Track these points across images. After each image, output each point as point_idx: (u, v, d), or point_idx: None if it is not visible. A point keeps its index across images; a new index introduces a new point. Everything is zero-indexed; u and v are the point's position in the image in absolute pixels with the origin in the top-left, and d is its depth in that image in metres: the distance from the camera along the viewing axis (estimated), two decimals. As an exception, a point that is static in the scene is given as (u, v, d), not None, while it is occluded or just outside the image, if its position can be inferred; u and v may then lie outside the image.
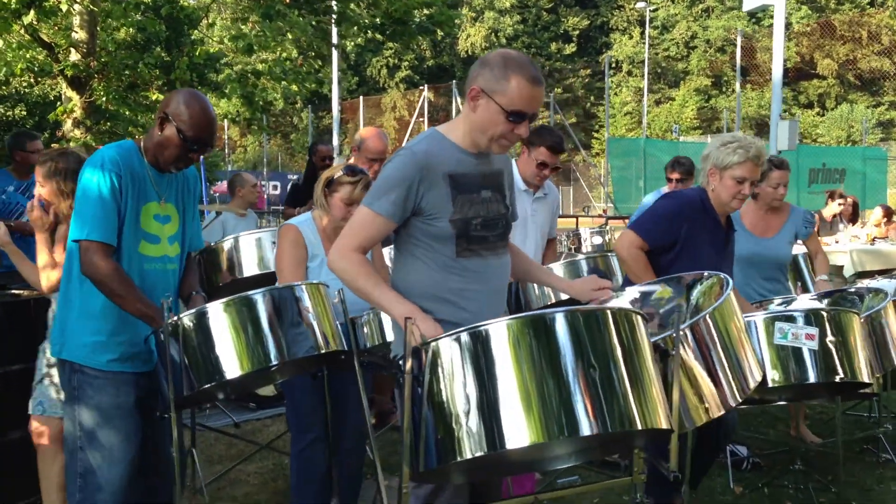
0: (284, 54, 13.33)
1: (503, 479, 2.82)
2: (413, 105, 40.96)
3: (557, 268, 4.29)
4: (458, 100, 23.85)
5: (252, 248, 4.39)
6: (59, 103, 12.40)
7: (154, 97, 11.54)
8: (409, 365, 2.13)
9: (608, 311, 2.19)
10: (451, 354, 2.12)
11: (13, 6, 9.90)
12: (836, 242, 9.64)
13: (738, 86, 28.36)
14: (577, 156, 36.30)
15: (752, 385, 2.66)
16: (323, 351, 3.01)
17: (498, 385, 2.07)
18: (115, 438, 2.94)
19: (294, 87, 12.22)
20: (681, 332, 2.44)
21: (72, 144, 11.00)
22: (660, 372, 2.34)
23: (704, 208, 3.54)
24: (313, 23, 11.95)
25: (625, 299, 3.04)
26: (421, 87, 28.62)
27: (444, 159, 2.52)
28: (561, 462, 2.53)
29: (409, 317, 2.18)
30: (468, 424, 2.07)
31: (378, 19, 11.95)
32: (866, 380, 3.18)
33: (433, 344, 2.13)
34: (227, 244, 4.40)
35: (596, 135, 46.09)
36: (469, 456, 2.06)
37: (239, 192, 6.41)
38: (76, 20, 11.52)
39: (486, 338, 2.11)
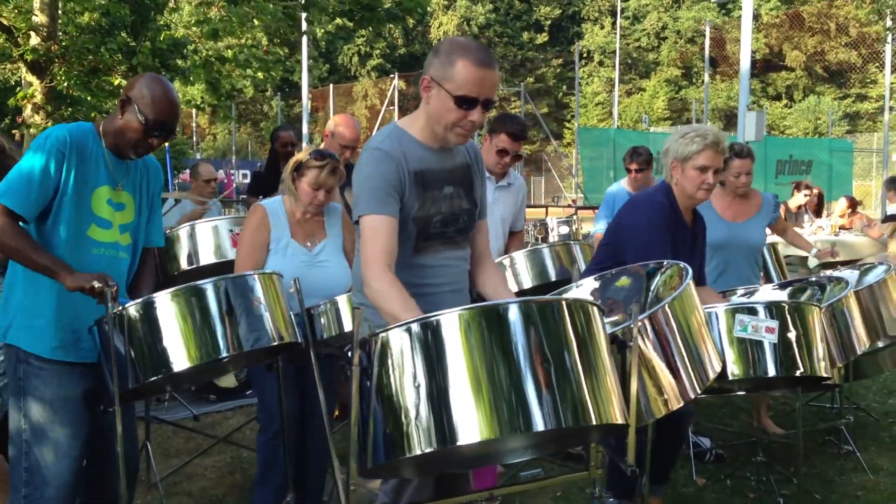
0: (251, 41, 13.14)
1: (466, 473, 2.75)
2: (384, 93, 40.73)
3: (520, 257, 4.23)
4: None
5: (209, 237, 4.28)
6: (18, 88, 12.15)
7: (117, 82, 11.31)
8: (356, 356, 2.06)
9: (563, 302, 2.12)
10: (400, 345, 2.04)
11: (-31, -12, 9.65)
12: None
13: (706, 77, 28.42)
14: (548, 146, 36.33)
15: (712, 376, 2.62)
16: (275, 343, 2.92)
17: (449, 378, 2.00)
18: (61, 432, 2.84)
19: (260, 75, 12.06)
20: (639, 323, 2.38)
21: (32, 130, 10.79)
22: (616, 364, 2.29)
23: (673, 209, 3.46)
24: (281, 8, 11.79)
25: (584, 289, 2.99)
26: (392, 76, 28.43)
27: (409, 155, 2.46)
28: (516, 456, 2.47)
29: (359, 307, 2.10)
30: (417, 419, 2.00)
31: (347, 5, 11.80)
32: (825, 374, 3.15)
33: (382, 335, 2.06)
34: (183, 232, 4.29)
35: (568, 125, 46.13)
36: (418, 452, 1.99)
37: (188, 179, 6.33)
38: (36, 3, 11.27)
39: (436, 328, 2.03)
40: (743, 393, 3.75)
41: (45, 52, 10.96)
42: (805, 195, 10.04)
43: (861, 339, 3.69)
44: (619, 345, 2.40)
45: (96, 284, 2.67)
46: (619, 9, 44.83)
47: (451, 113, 2.39)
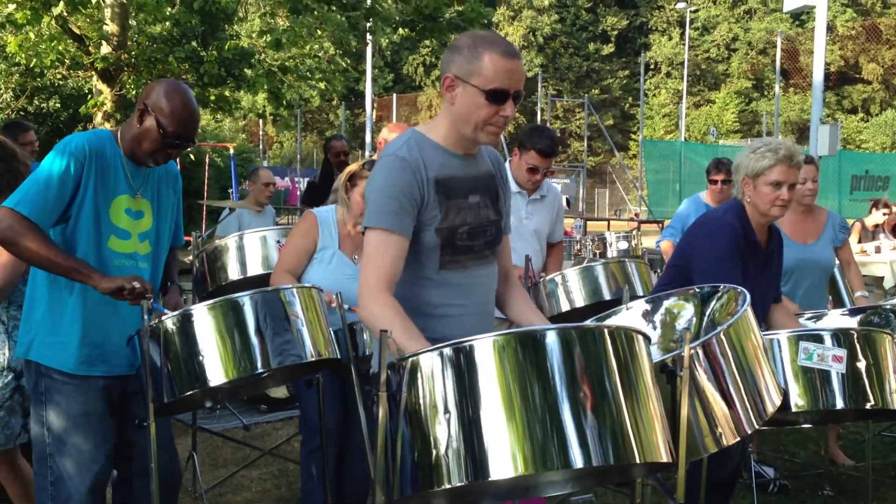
0: (315, 52, 13.24)
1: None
2: (449, 104, 40.74)
3: (572, 274, 4.08)
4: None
5: (257, 247, 4.24)
6: (90, 97, 12.45)
7: (182, 91, 11.53)
8: (383, 379, 1.95)
9: (605, 330, 1.98)
10: (431, 370, 1.92)
11: (43, -3, 9.90)
12: (878, 252, 9.29)
13: (777, 89, 27.71)
14: (612, 158, 35.86)
15: (771, 410, 2.43)
16: (312, 359, 2.84)
17: (481, 407, 1.87)
18: (84, 446, 2.78)
19: (322, 85, 12.13)
20: (690, 351, 2.23)
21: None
22: (665, 396, 2.14)
23: (744, 231, 3.27)
24: (345, 18, 11.85)
25: (634, 312, 2.83)
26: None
27: (429, 162, 2.28)
28: (556, 489, 2.33)
29: (386, 329, 1.99)
30: (448, 450, 1.87)
31: (409, 16, 11.81)
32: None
33: (412, 358, 1.95)
34: (231, 242, 4.25)
35: (633, 136, 45.59)
36: (447, 486, 1.87)
37: (249, 186, 6.34)
38: (108, 13, 11.52)
39: (470, 354, 1.91)
40: (809, 426, 3.53)
41: (115, 60, 11.19)
42: (884, 213, 9.60)
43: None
44: (669, 374, 2.24)
45: (136, 285, 2.62)
46: (688, 19, 44.22)
47: (482, 109, 2.22)
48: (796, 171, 3.24)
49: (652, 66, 50.19)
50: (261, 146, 36.24)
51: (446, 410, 1.89)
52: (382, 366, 1.94)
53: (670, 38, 50.06)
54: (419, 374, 1.94)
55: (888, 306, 3.81)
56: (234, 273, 4.21)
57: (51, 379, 2.77)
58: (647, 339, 2.08)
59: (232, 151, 13.37)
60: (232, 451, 5.02)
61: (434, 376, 1.92)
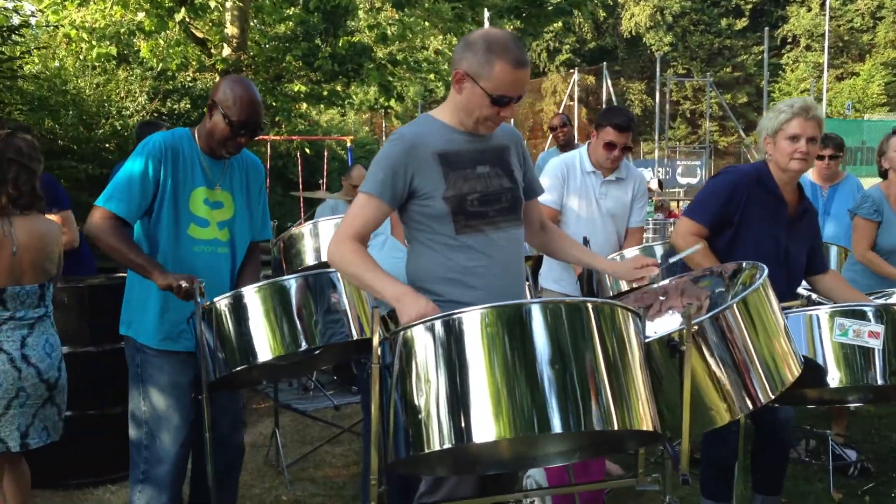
0: (422, 44, 13.50)
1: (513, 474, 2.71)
2: (573, 89, 40.45)
3: (630, 253, 4.08)
4: (609, 82, 23.30)
5: (331, 234, 4.44)
6: (212, 97, 13.15)
7: (297, 88, 11.99)
8: (376, 353, 2.09)
9: (589, 304, 2.06)
10: (423, 342, 2.06)
11: (167, 4, 10.54)
12: None
13: None
14: (748, 137, 34.55)
15: (786, 382, 2.42)
16: (356, 338, 3.00)
17: (469, 376, 1.99)
18: (174, 415, 3.09)
19: (431, 77, 12.38)
20: (694, 327, 2.26)
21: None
22: (667, 371, 2.19)
23: (760, 181, 3.29)
24: (450, 9, 12.02)
25: (654, 291, 2.86)
26: (571, 70, 28.17)
27: (432, 139, 2.48)
28: (553, 461, 2.41)
29: (377, 306, 2.13)
30: (437, 415, 2.00)
31: (514, 2, 11.86)
32: (946, 383, 2.83)
33: (405, 332, 2.08)
34: (306, 230, 4.49)
35: (770, 114, 43.71)
36: (437, 448, 2.00)
37: (344, 182, 6.60)
38: (228, 16, 12.11)
39: (459, 326, 2.03)
40: (859, 404, 3.42)
41: (234, 61, 11.76)
42: None
43: None
44: (672, 349, 2.27)
45: (184, 284, 2.87)
46: (828, -12, 41.93)
47: (485, 109, 2.41)
48: (814, 124, 3.25)
49: (790, 40, 47.90)
50: (383, 137, 37.03)
51: (436, 379, 2.02)
52: (375, 339, 2.09)
53: (809, 10, 47.56)
54: (411, 346, 2.07)
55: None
56: (309, 259, 4.45)
57: (144, 353, 3.11)
58: (636, 314, 2.14)
59: (350, 144, 13.83)
60: (320, 430, 5.29)
61: (425, 348, 2.06)
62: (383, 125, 35.13)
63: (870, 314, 2.81)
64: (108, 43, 11.31)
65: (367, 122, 31.59)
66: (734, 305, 2.39)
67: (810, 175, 5.62)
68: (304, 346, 2.93)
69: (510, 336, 2.00)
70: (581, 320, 2.03)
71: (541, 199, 4.12)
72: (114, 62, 12.84)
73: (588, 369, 1.99)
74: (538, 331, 2.01)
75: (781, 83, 46.36)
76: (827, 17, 40.31)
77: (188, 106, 15.93)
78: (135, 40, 12.48)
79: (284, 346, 2.90)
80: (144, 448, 3.13)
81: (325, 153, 14.91)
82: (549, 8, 11.86)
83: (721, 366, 2.34)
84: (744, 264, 2.74)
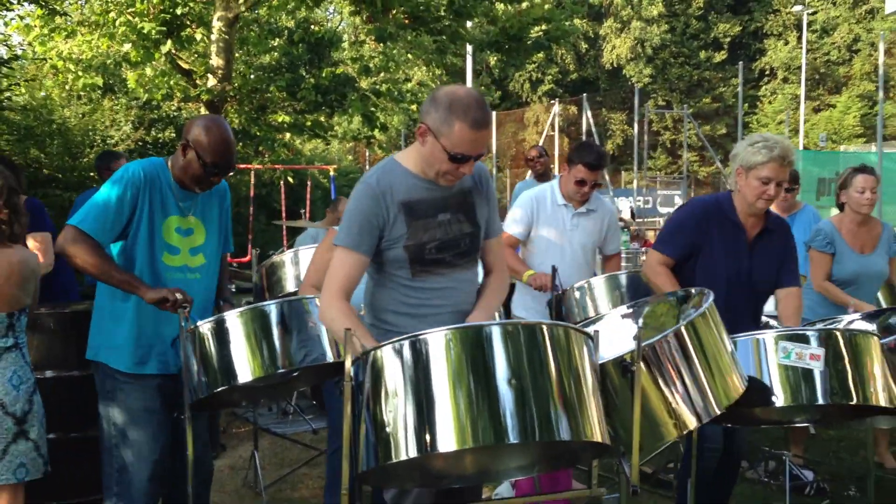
0: (407, 75, 13.77)
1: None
2: (558, 119, 40.89)
3: (598, 282, 4.27)
4: (589, 113, 23.67)
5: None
6: (196, 126, 13.32)
7: (280, 119, 12.18)
8: (348, 371, 2.26)
9: (544, 326, 2.25)
10: (391, 361, 2.23)
11: (154, 36, 10.73)
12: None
13: (881, 93, 26.25)
14: (727, 167, 35.03)
15: (730, 399, 2.61)
16: (331, 360, 3.17)
17: (433, 391, 2.17)
18: (143, 438, 3.20)
19: (413, 108, 12.63)
20: (643, 348, 2.45)
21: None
22: (620, 390, 2.37)
23: (722, 211, 3.49)
24: (431, 41, 12.29)
25: (613, 316, 3.05)
26: (552, 101, 28.57)
27: (397, 188, 2.62)
28: (514, 474, 2.59)
29: (349, 328, 2.31)
30: (403, 428, 2.17)
31: (494, 37, 12.14)
32: (883, 404, 3.03)
33: (375, 352, 2.25)
34: (287, 257, 4.66)
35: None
36: (403, 457, 2.16)
37: (328, 213, 6.79)
38: (213, 48, 12.30)
39: (424, 346, 2.21)
40: (816, 427, 3.61)
41: (219, 92, 11.94)
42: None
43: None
44: (623, 369, 2.46)
45: (178, 296, 3.03)
46: (805, 22, 42.79)
47: (444, 164, 2.56)
48: (787, 171, 3.42)
49: (767, 72, 48.74)
50: (367, 167, 37.27)
51: (403, 395, 2.19)
52: (347, 359, 2.26)
53: (786, 42, 48.46)
54: (380, 365, 2.25)
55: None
56: (290, 286, 4.62)
57: (114, 379, 3.22)
58: (588, 336, 2.33)
59: (332, 173, 14.04)
60: (298, 452, 5.43)
61: (393, 366, 2.23)
62: (367, 154, 35.44)
63: (812, 338, 3.01)
64: (94, 73, 11.48)
65: (351, 150, 31.84)
66: (682, 328, 2.58)
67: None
68: (281, 367, 3.09)
69: (471, 355, 2.18)
70: (536, 341, 2.22)
71: (509, 228, 4.33)
72: (99, 92, 13.01)
73: (543, 385, 2.17)
74: (497, 350, 2.19)
75: (759, 114, 47.09)
76: (804, 50, 41.13)
77: (173, 135, 16.09)
78: (121, 71, 12.65)
79: (264, 368, 3.06)
80: (116, 471, 3.23)
81: (308, 182, 15.11)
82: (529, 42, 12.15)
83: (669, 385, 2.53)
84: (693, 290, 2.94)
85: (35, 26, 10.85)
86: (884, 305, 5.14)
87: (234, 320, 3.09)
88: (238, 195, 16.16)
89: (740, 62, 30.53)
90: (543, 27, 12.59)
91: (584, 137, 28.35)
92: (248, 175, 14.57)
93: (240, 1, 11.03)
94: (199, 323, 3.07)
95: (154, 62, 11.83)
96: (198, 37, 10.86)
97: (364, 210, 2.59)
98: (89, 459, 4.31)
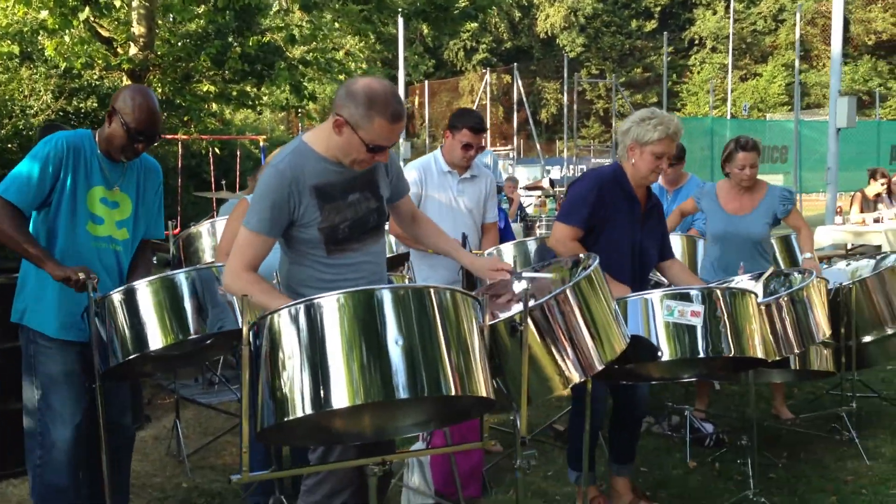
0: (336, 44, 13.68)
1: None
2: (491, 87, 41.05)
3: (507, 248, 4.44)
4: (519, 82, 23.87)
5: (228, 232, 4.68)
6: (120, 95, 13.07)
7: (205, 88, 12.03)
8: (246, 336, 2.37)
9: (432, 289, 2.39)
10: (287, 325, 2.34)
11: (71, 3, 10.47)
12: (877, 222, 9.42)
13: (797, 62, 27.06)
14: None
15: (613, 355, 2.80)
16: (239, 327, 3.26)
17: (326, 352, 2.28)
18: (65, 401, 3.27)
19: (341, 77, 12.60)
20: (529, 309, 2.61)
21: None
22: (486, 347, 2.52)
23: (618, 182, 3.68)
24: (358, 11, 12.24)
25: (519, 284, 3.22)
26: (482, 71, 28.70)
27: (308, 172, 2.71)
28: (411, 430, 2.74)
29: (246, 294, 2.41)
30: (299, 387, 2.29)
31: (420, 5, 12.15)
32: (760, 355, 3.27)
33: (271, 316, 2.36)
34: (204, 228, 4.71)
35: (679, 114, 45.25)
36: (299, 414, 2.28)
37: (250, 181, 6.78)
38: (134, 15, 12.04)
39: (318, 310, 2.33)
40: (692, 379, 3.85)
41: (140, 61, 11.70)
42: (882, 183, 9.73)
43: (821, 327, 3.76)
44: (511, 329, 2.62)
45: (81, 276, 3.09)
46: (732, -8, 43.58)
47: (361, 154, 2.67)
48: (675, 145, 3.63)
49: (696, 42, 49.58)
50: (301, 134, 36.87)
51: (298, 356, 2.31)
52: (245, 325, 2.37)
53: (714, 13, 49.31)
54: (276, 329, 2.36)
55: (787, 271, 4.13)
56: (207, 256, 4.68)
57: (37, 344, 3.28)
58: (475, 299, 2.49)
59: (263, 144, 13.95)
60: (223, 421, 5.51)
61: (289, 330, 2.35)
62: (300, 125, 35.12)
63: (694, 296, 3.22)
64: (9, 42, 11.17)
65: (283, 120, 31.52)
66: (567, 290, 2.76)
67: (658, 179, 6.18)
68: (192, 334, 3.18)
69: (363, 317, 2.31)
70: (424, 303, 2.36)
71: None
72: (17, 61, 12.65)
73: (431, 345, 2.31)
74: (388, 312, 2.32)
75: (689, 83, 47.98)
76: (731, 20, 41.93)
77: (95, 105, 15.73)
78: (40, 38, 12.33)
79: (174, 335, 3.15)
80: (38, 435, 3.30)
81: (238, 153, 14.98)
82: (456, 12, 12.18)
83: (556, 342, 2.71)
84: (582, 255, 3.12)
85: (-54, -8, 10.50)
86: (781, 265, 5.45)
87: (143, 289, 3.16)
88: (167, 166, 15.94)
89: (664, 32, 31.03)
90: (470, -4, 12.62)
91: (514, 107, 28.58)
92: (176, 146, 14.38)
93: (161, -33, 10.84)
94: (110, 293, 3.14)
95: (72, 30, 11.55)
96: (117, 3, 10.62)
97: (273, 196, 2.68)
98: (9, 432, 4.36)
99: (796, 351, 3.70)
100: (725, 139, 21.46)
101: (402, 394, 2.26)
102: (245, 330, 2.36)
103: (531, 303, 2.67)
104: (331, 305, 2.33)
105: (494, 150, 31.92)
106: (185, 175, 14.19)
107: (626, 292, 3.41)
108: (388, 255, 4.96)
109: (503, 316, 2.72)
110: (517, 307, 2.72)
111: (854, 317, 4.47)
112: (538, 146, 25.79)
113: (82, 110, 15.72)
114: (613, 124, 31.45)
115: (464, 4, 12.60)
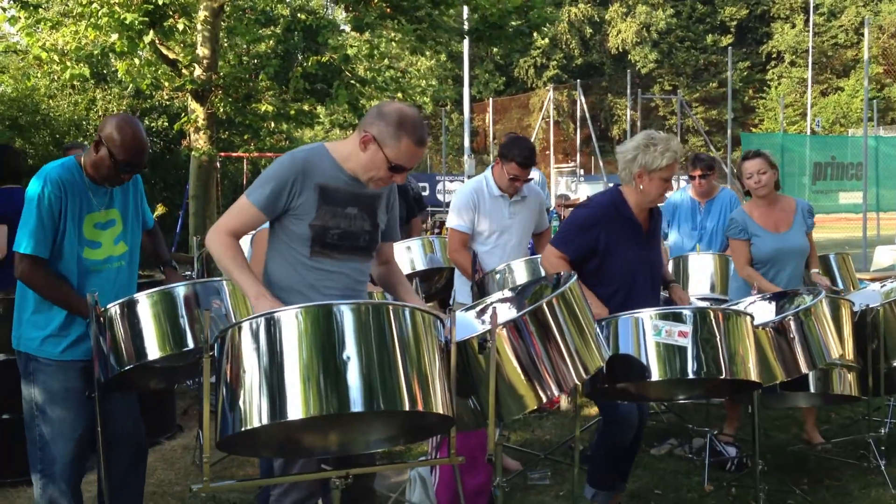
0: (389, 63, 13.87)
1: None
2: (561, 104, 40.88)
3: (518, 264, 4.44)
4: (582, 99, 23.73)
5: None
6: (184, 114, 13.51)
7: (263, 108, 12.32)
8: (207, 346, 2.44)
9: (389, 307, 2.42)
10: (247, 338, 2.40)
11: (137, 27, 10.89)
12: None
13: (866, 76, 26.00)
14: (734, 152, 35.05)
15: (589, 371, 2.77)
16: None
17: (284, 364, 2.33)
18: (64, 417, 3.34)
19: (399, 96, 12.76)
20: (500, 329, 2.62)
21: (193, 154, 11.96)
22: (445, 365, 2.52)
23: (617, 210, 3.67)
24: (412, 30, 12.39)
25: (499, 296, 3.24)
26: (547, 88, 28.64)
27: (320, 170, 2.84)
28: (378, 445, 2.76)
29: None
30: (257, 398, 2.34)
31: (475, 24, 12.22)
32: (753, 378, 3.19)
33: (231, 329, 2.42)
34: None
35: (755, 130, 44.28)
36: (256, 424, 2.33)
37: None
38: (199, 38, 12.44)
39: (277, 323, 2.38)
40: (688, 401, 3.77)
41: (203, 82, 12.07)
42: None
43: (831, 347, 3.64)
44: (481, 346, 2.63)
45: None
46: (811, 5, 42.55)
47: (382, 171, 2.80)
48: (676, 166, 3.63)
49: (774, 56, 48.51)
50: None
51: (257, 368, 2.37)
52: (206, 338, 2.44)
53: (793, 26, 48.17)
54: (238, 341, 2.42)
55: (797, 291, 4.02)
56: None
57: (37, 362, 3.36)
58: (436, 317, 2.51)
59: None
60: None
61: (249, 342, 2.40)
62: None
63: (686, 317, 3.16)
64: (81, 64, 11.65)
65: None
66: (543, 304, 2.75)
67: (689, 191, 6.06)
68: (189, 345, 3.26)
69: (320, 331, 2.35)
70: (381, 320, 2.39)
71: (453, 224, 4.60)
72: (91, 82, 13.19)
73: (387, 360, 2.34)
74: (347, 327, 2.36)
75: (767, 99, 46.92)
76: (811, 34, 40.93)
77: (165, 123, 16.32)
78: (109, 61, 12.83)
79: (171, 346, 3.23)
80: (39, 450, 3.38)
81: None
82: (510, 30, 12.21)
83: (529, 358, 2.70)
84: (562, 273, 3.11)
85: (20, 17, 11.03)
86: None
87: (143, 301, 3.26)
88: (236, 183, 16.38)
89: (729, 47, 30.45)
90: (523, 18, 12.62)
91: (578, 124, 28.43)
92: (241, 163, 14.76)
93: (223, -10, 11.18)
94: (108, 305, 3.24)
95: (140, 52, 12.00)
96: (180, 27, 11.00)
97: (281, 178, 2.81)
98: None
99: (804, 371, 3.58)
100: (802, 157, 20.98)
101: (358, 407, 2.29)
102: (208, 341, 2.43)
103: (501, 319, 2.68)
104: (289, 318, 2.38)
105: (557, 167, 31.76)
106: (249, 191, 14.56)
107: (605, 312, 3.40)
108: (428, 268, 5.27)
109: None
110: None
111: (883, 339, 4.32)
112: (600, 163, 25.56)
113: (154, 129, 16.30)
114: (691, 140, 30.99)
115: (518, 23, 12.61)
